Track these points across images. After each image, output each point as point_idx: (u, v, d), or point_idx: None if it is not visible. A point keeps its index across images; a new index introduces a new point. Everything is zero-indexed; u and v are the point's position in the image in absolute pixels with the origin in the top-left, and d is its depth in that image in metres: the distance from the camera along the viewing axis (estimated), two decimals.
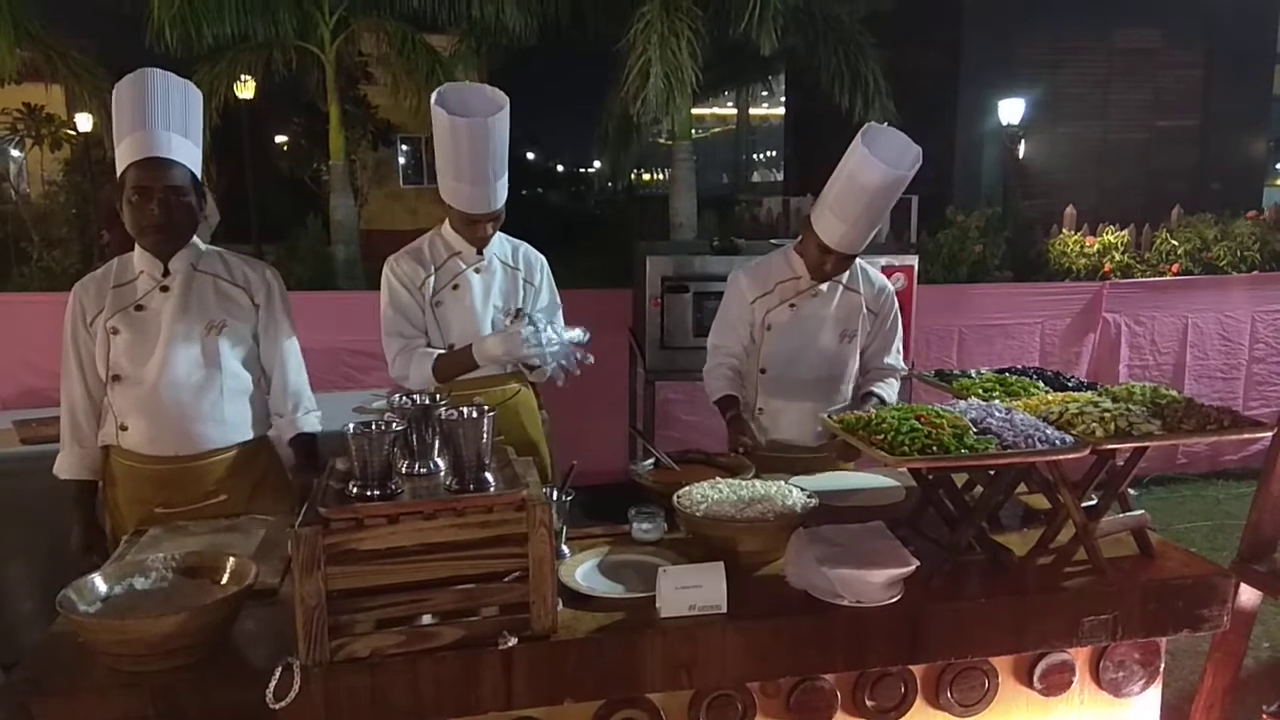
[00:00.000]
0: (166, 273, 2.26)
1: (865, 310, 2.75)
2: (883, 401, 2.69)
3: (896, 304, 2.82)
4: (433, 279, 2.62)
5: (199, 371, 2.27)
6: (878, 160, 2.41)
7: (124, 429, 2.27)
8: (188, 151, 2.23)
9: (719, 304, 2.85)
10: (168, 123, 2.19)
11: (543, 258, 2.81)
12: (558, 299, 2.82)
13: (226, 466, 2.34)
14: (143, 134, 2.17)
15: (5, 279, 12.78)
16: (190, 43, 9.90)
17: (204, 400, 2.28)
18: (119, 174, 2.21)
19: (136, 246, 2.27)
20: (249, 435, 2.39)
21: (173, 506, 2.28)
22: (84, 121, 15.66)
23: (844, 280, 2.72)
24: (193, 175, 2.24)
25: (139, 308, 2.25)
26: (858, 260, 2.74)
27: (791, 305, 2.70)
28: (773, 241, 3.04)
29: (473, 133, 2.43)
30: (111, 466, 2.32)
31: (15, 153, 18.10)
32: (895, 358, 2.83)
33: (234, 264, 2.38)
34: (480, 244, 2.65)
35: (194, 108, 2.28)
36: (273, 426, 2.47)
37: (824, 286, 2.70)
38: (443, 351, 2.60)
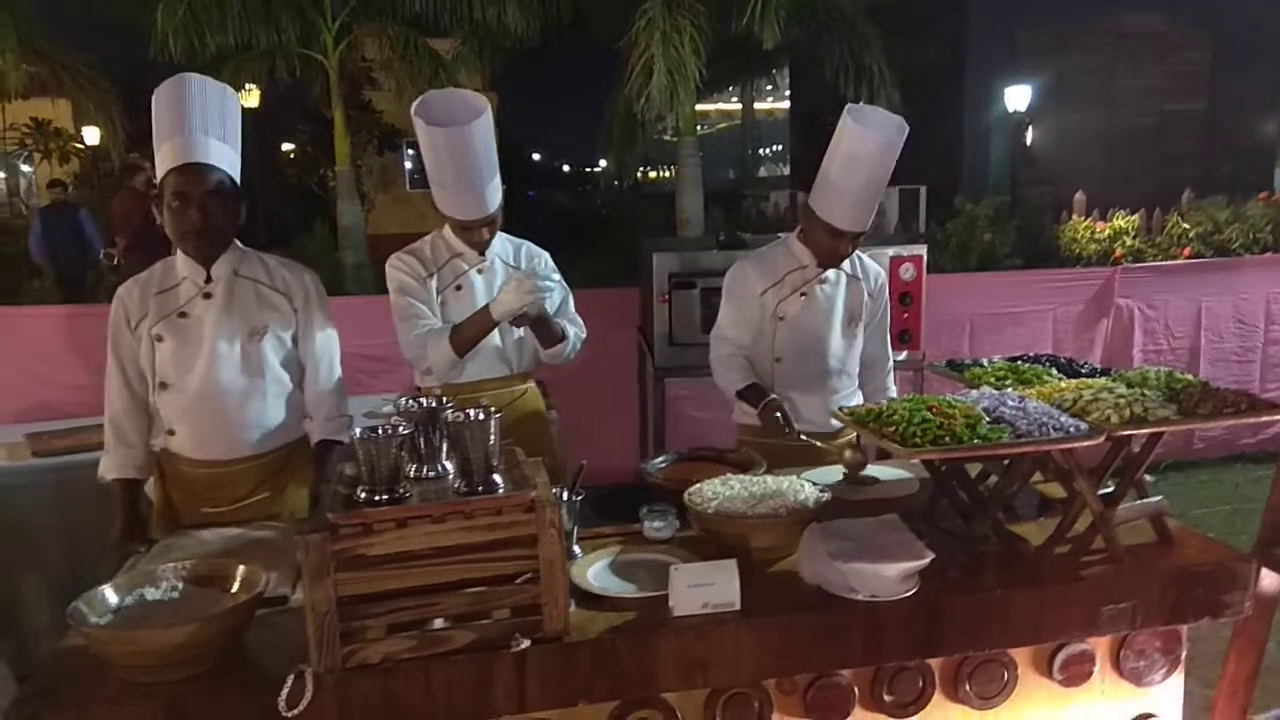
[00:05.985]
0: (209, 279, 2.27)
1: (867, 297, 2.81)
2: None
3: (887, 290, 2.89)
4: (435, 279, 2.63)
5: (242, 378, 2.28)
6: (868, 130, 2.50)
7: (171, 434, 2.30)
8: (226, 156, 2.24)
9: None
10: (205, 128, 2.19)
11: (546, 253, 2.80)
12: (567, 289, 2.80)
13: (270, 467, 2.36)
14: (181, 139, 2.17)
15: (18, 292, 12.86)
16: (194, 52, 9.90)
17: (248, 406, 2.29)
18: (159, 179, 2.21)
19: (178, 251, 2.27)
20: (293, 436, 2.40)
21: (218, 505, 2.30)
22: (91, 135, 15.81)
23: (847, 268, 2.77)
24: (232, 179, 2.25)
25: (182, 315, 2.26)
26: None
27: (803, 294, 2.72)
28: (779, 235, 3.05)
29: (451, 141, 2.44)
30: (163, 466, 2.35)
31: (25, 167, 18.25)
32: (886, 346, 2.92)
33: (274, 268, 2.38)
34: (479, 248, 2.66)
35: (232, 111, 2.28)
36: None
37: (831, 274, 2.74)
38: (456, 323, 2.57)
